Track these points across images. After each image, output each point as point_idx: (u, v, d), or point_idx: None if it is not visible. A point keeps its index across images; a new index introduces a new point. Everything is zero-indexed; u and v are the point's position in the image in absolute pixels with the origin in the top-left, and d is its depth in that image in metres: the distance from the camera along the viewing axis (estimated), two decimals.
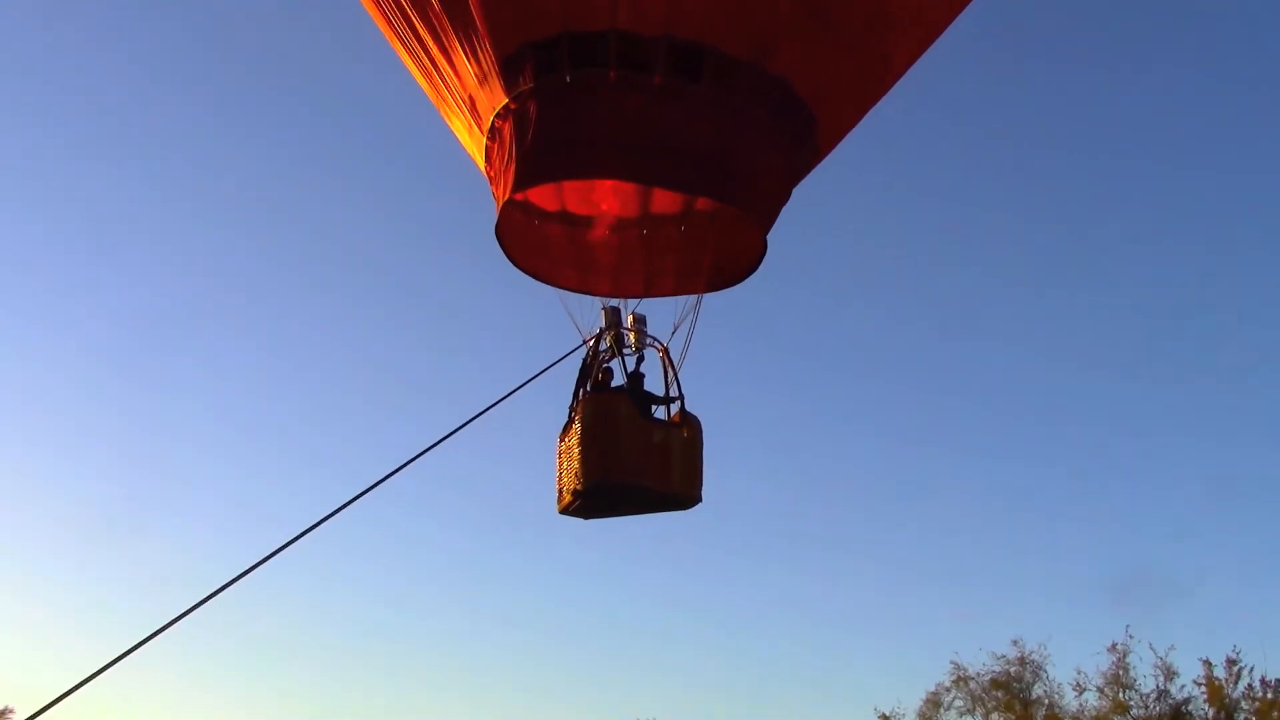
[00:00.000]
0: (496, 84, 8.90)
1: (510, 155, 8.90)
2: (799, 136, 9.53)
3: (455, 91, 9.51)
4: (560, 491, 9.36)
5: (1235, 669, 14.26)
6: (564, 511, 9.40)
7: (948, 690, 19.44)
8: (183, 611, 6.64)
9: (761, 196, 9.41)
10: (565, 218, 10.18)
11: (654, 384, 9.99)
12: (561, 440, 9.50)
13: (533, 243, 10.09)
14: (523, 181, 8.87)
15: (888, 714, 19.81)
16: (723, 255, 10.05)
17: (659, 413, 9.85)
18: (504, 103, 8.93)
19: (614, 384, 9.95)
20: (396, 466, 8.14)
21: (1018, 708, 18.91)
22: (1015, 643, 19.51)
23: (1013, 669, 19.64)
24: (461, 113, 9.61)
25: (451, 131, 10.18)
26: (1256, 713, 13.59)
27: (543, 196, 9.98)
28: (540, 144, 8.71)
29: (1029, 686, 19.27)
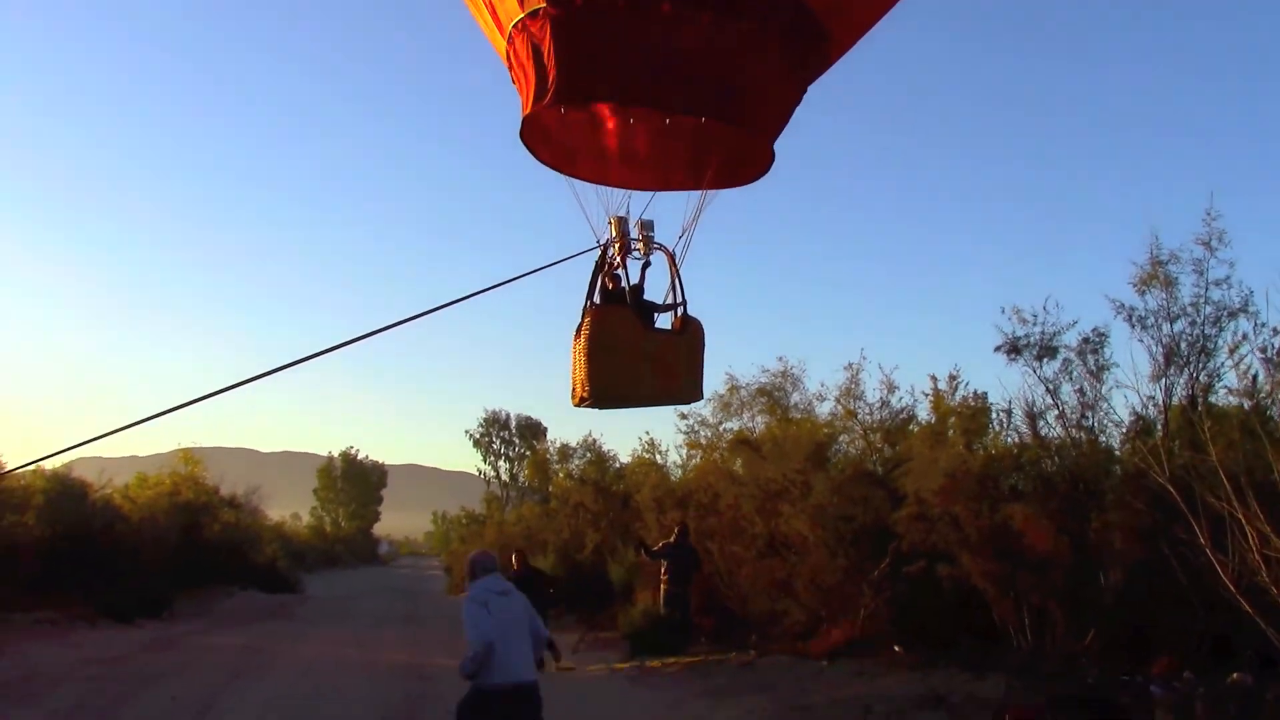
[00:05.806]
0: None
1: (529, 72, 9.08)
2: (809, 51, 9.59)
3: None
4: (574, 388, 9.51)
5: (954, 383, 17.35)
6: (577, 405, 9.60)
7: (723, 397, 22.23)
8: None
9: (772, 114, 9.66)
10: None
11: (658, 287, 9.89)
12: (575, 340, 9.50)
13: (555, 131, 10.14)
14: (541, 100, 9.04)
15: (684, 413, 22.78)
16: (733, 154, 9.94)
17: (663, 318, 9.86)
18: (519, 17, 9.05)
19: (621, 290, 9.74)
20: (422, 311, 8.43)
21: (778, 411, 22.03)
22: (780, 359, 22.32)
23: (775, 380, 22.53)
24: (483, 13, 9.58)
25: (477, 24, 9.95)
26: (964, 420, 16.96)
27: None
28: (555, 67, 8.84)
29: (788, 395, 22.38)
